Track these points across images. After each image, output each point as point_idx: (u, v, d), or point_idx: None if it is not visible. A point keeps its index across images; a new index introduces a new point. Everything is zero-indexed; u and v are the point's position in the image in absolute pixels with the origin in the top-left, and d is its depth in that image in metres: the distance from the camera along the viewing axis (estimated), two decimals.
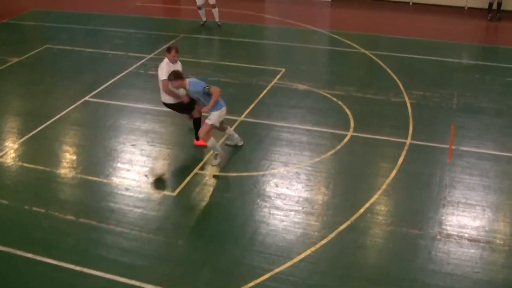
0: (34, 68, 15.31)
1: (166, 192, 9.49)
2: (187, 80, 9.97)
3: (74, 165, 10.30)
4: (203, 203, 9.28)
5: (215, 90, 9.87)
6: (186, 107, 10.62)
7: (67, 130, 11.64)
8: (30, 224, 8.84)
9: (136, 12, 19.76)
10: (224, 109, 10.18)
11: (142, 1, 21.09)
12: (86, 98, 12.95)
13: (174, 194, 9.42)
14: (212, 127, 10.13)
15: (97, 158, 10.48)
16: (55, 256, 7.98)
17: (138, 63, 14.86)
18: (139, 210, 9.03)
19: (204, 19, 18.18)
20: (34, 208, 9.13)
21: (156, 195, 9.44)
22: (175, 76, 9.84)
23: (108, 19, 19.00)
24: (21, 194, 9.59)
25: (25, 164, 10.47)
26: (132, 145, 10.87)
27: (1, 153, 10.86)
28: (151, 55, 15.34)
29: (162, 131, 11.44)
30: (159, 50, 15.59)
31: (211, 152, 10.38)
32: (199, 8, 17.88)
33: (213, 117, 10.04)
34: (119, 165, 10.27)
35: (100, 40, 17.02)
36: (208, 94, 9.88)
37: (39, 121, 12.05)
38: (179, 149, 10.84)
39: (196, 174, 9.93)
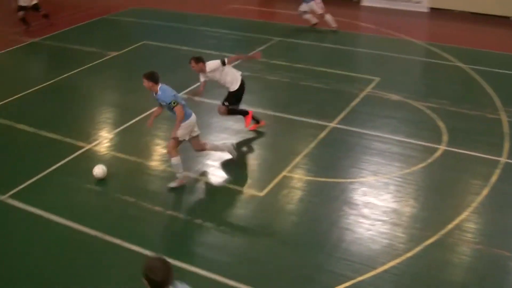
0: (131, 62, 15.77)
1: (254, 192, 9.54)
2: (160, 85, 9.26)
3: (165, 159, 10.49)
4: (290, 206, 9.28)
5: (179, 112, 9.10)
6: None
7: (159, 124, 11.83)
8: (120, 212, 9.10)
9: (231, 14, 20.00)
10: (191, 119, 9.34)
11: (238, 3, 21.32)
12: (180, 94, 13.15)
13: (262, 194, 9.45)
14: (178, 141, 9.39)
15: (187, 153, 10.65)
16: (140, 244, 8.17)
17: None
18: (226, 207, 9.14)
19: (314, 21, 18.23)
20: (124, 197, 9.38)
21: (244, 194, 9.51)
22: (149, 76, 9.23)
23: (204, 19, 19.31)
24: (113, 183, 9.88)
25: (118, 154, 10.78)
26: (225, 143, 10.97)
27: (96, 142, 11.23)
28: None
29: (252, 131, 11.50)
30: (253, 51, 15.70)
31: (300, 155, 10.39)
32: (304, 13, 17.94)
33: (179, 131, 9.34)
34: (209, 162, 10.40)
35: (195, 39, 17.32)
36: (173, 110, 9.18)
37: (133, 114, 12.39)
38: (269, 150, 10.90)
39: (284, 176, 9.93)
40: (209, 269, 7.67)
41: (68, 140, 11.31)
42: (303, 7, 17.91)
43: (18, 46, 17.48)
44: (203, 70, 10.78)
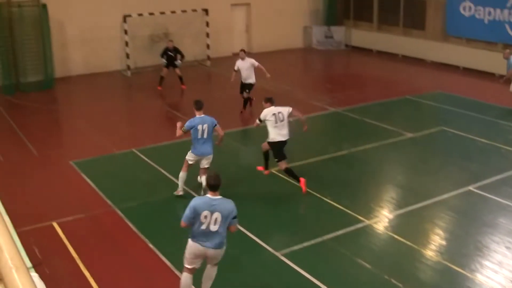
0: (426, 146, 15.66)
1: None
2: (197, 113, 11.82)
3: (441, 250, 10.14)
4: None
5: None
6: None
7: (443, 214, 11.56)
8: None
9: None
10: (196, 155, 11.88)
11: None
12: (470, 187, 12.69)
13: None
14: (187, 162, 11.99)
15: (466, 250, 10.16)
16: None
17: None
18: None
19: None
20: (392, 280, 9.22)
21: None
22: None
23: (505, 112, 18.48)
24: (384, 263, 9.79)
25: (395, 235, 10.67)
26: (507, 247, 10.25)
27: (376, 219, 11.27)
28: None
29: None
30: None
31: None
32: None
33: (188, 155, 12.02)
34: (487, 263, 9.78)
35: (495, 132, 16.60)
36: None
37: (418, 198, 12.22)
38: None
39: None
40: None
41: (349, 211, 11.54)
42: None
43: (321, 113, 18.47)
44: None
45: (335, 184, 13.06)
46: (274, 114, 12.52)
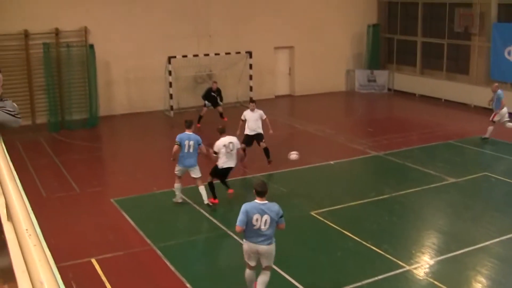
0: (468, 191, 15.42)
1: None
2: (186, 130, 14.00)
3: None
4: None
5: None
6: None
7: (486, 261, 11.30)
8: None
9: None
10: (181, 167, 13.78)
11: None
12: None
13: None
14: (176, 174, 13.86)
15: None
16: None
17: None
18: None
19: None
20: None
21: None
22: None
23: None
24: None
25: (436, 282, 10.44)
26: None
27: (417, 265, 11.07)
28: None
29: None
30: None
31: None
32: None
33: (175, 168, 13.80)
34: None
35: None
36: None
37: (461, 244, 11.99)
38: None
39: None
40: None
41: (389, 256, 11.36)
42: None
43: (362, 156, 18.38)
44: None
45: (376, 228, 12.91)
46: (224, 145, 13.79)
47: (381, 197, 14.77)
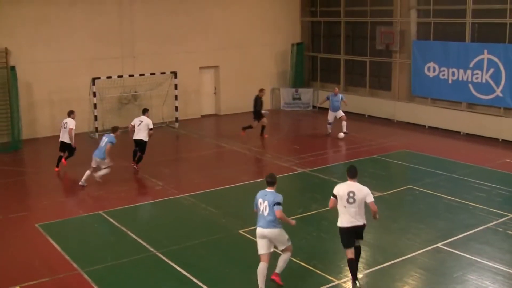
0: (394, 204, 15.73)
1: None
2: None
3: None
4: None
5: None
6: None
7: (412, 272, 11.53)
8: None
9: (504, 168, 19.12)
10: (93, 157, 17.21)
11: None
12: (439, 244, 12.74)
13: None
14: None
15: None
16: None
17: (498, 221, 14.19)
18: None
19: None
20: None
21: None
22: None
23: (473, 170, 18.71)
24: None
25: None
26: None
27: (345, 279, 11.18)
28: None
29: None
30: None
31: None
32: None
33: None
34: None
35: (462, 189, 16.77)
36: None
37: (388, 256, 12.23)
38: None
39: None
40: None
41: (318, 271, 11.46)
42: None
43: (289, 174, 18.51)
44: None
45: (304, 244, 12.98)
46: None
47: (308, 213, 14.91)
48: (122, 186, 17.21)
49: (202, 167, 19.84)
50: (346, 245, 10.68)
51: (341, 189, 10.67)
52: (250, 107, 26.80)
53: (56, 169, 18.87)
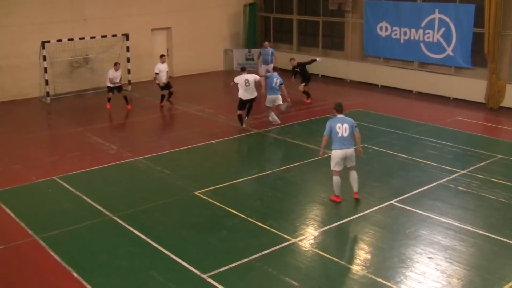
0: None
1: None
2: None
3: (367, 264, 10.29)
4: None
5: None
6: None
7: (366, 229, 11.76)
8: None
9: (455, 126, 19.52)
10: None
11: (463, 115, 20.82)
12: (392, 201, 13.01)
13: None
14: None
15: (391, 263, 10.36)
16: None
17: (450, 177, 14.54)
18: None
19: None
20: None
21: None
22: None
23: (425, 129, 19.05)
24: (312, 280, 9.85)
25: (321, 252, 10.77)
26: (429, 258, 10.51)
27: (301, 237, 11.34)
28: (464, 171, 14.91)
29: (462, 249, 10.90)
30: (474, 167, 15.13)
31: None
32: None
33: None
34: (411, 274, 9.98)
35: (414, 147, 17.09)
36: None
37: (342, 214, 12.46)
38: (477, 272, 10.21)
39: None
40: None
41: (274, 230, 11.59)
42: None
43: (243, 134, 18.56)
44: None
45: (260, 204, 13.12)
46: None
47: (263, 173, 15.01)
48: (75, 151, 17.00)
49: (156, 130, 19.77)
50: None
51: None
52: (203, 69, 26.66)
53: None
